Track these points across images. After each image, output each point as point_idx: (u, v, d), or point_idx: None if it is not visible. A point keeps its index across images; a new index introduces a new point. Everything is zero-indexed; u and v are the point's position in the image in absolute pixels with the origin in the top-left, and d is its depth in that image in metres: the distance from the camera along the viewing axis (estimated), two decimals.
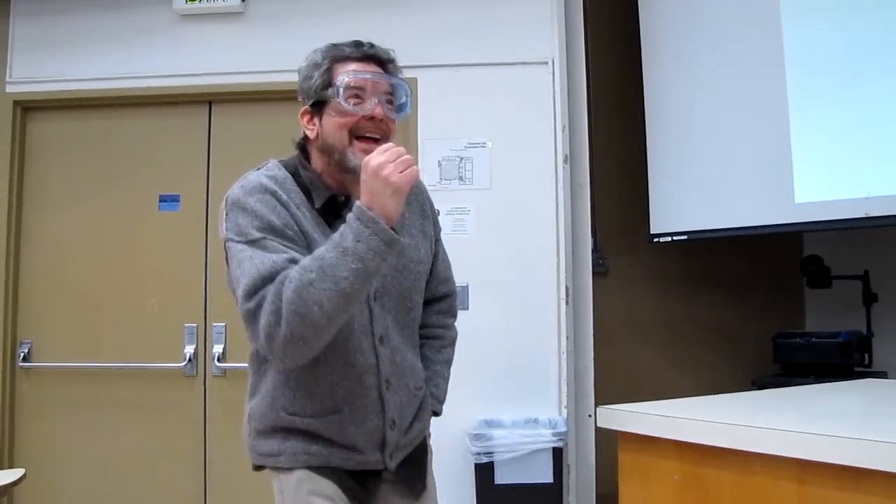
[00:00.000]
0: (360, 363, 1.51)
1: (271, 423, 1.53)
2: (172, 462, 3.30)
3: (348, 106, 1.50)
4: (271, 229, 1.43)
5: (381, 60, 1.56)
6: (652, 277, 3.77)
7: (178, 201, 3.41)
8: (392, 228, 1.36)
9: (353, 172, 1.47)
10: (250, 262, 1.38)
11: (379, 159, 1.37)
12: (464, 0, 3.29)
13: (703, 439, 1.43)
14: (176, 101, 3.41)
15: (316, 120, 1.54)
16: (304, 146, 1.59)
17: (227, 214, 1.46)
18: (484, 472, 2.88)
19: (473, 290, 3.13)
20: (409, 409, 1.61)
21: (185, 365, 3.31)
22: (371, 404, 1.53)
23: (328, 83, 1.52)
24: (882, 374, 3.22)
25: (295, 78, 1.59)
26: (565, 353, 3.11)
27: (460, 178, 3.23)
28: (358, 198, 1.39)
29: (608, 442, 1.75)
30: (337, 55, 1.54)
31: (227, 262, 1.47)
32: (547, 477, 2.87)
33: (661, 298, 3.78)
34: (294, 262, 1.38)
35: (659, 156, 3.53)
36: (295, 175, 1.55)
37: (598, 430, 3.02)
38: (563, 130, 3.21)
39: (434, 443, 1.74)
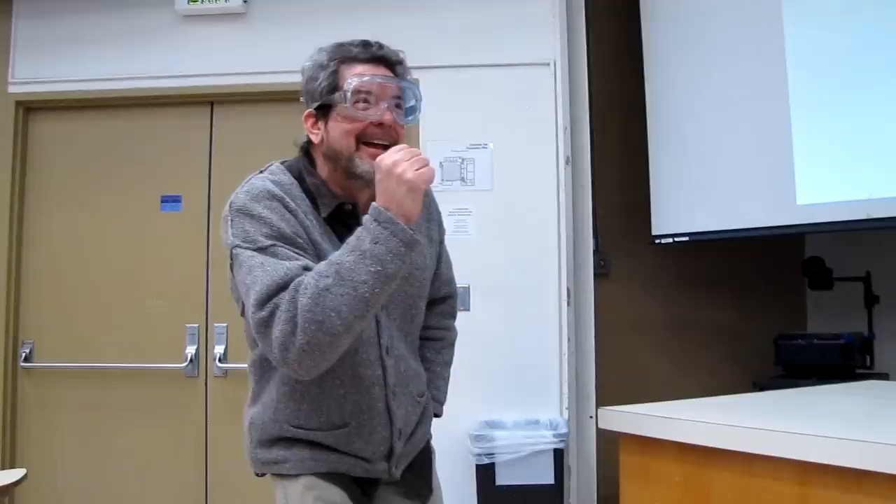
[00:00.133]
0: (368, 375, 1.47)
1: (275, 434, 1.48)
2: (173, 462, 3.30)
3: (356, 112, 1.43)
4: (281, 237, 1.36)
5: (389, 62, 1.49)
6: (653, 279, 3.77)
7: (179, 202, 3.41)
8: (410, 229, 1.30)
9: (361, 178, 1.43)
10: (262, 269, 1.31)
11: (393, 157, 1.32)
12: (466, 2, 3.29)
13: (705, 441, 1.43)
14: (178, 101, 3.41)
15: (321, 124, 1.47)
16: (308, 150, 1.53)
17: (231, 221, 1.39)
18: (485, 473, 2.88)
19: (475, 292, 3.13)
20: (414, 417, 1.58)
21: (187, 365, 3.31)
22: (378, 416, 1.48)
23: (334, 86, 1.45)
24: (884, 376, 3.21)
25: (297, 79, 1.53)
26: (566, 355, 3.11)
27: (462, 180, 3.23)
28: (365, 206, 1.34)
29: (609, 443, 1.74)
30: (344, 56, 1.46)
31: (232, 270, 1.41)
32: (548, 478, 2.87)
33: (663, 300, 3.77)
34: (308, 269, 1.32)
35: (660, 157, 3.52)
36: (300, 180, 1.48)
37: (599, 431, 3.03)
38: (565, 131, 3.21)
39: (435, 444, 1.74)
